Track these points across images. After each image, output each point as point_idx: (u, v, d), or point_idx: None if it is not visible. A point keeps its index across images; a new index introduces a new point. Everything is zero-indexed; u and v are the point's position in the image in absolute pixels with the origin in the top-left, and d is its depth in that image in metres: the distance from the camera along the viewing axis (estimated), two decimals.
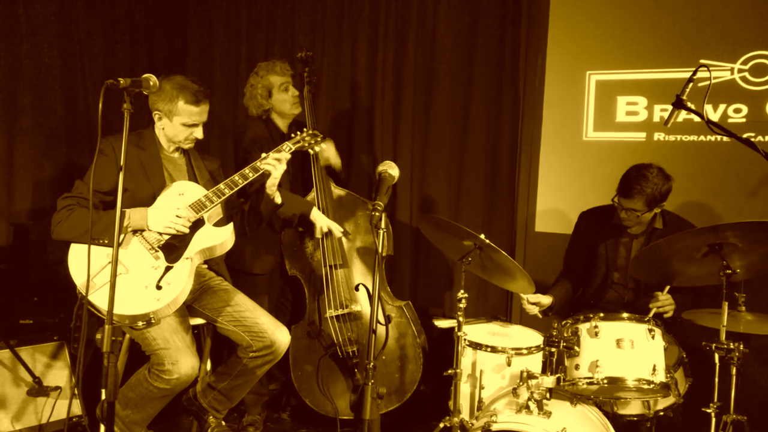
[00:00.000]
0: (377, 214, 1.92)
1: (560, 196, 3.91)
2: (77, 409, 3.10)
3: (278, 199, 2.76)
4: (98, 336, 1.90)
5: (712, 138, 3.56)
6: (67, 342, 3.10)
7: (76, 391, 2.93)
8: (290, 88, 3.37)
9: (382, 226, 1.93)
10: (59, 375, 3.14)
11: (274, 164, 2.64)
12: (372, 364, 1.78)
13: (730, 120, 3.57)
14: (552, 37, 3.87)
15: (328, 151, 3.50)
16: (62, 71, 3.77)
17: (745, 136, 3.50)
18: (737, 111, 3.56)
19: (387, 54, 4.06)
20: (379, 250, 1.97)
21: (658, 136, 3.70)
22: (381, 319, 3.30)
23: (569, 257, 3.33)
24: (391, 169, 2.28)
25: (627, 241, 3.12)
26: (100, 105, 1.93)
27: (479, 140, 3.97)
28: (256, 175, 2.65)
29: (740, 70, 3.54)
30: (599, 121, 3.81)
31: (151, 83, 2.07)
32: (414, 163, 4.08)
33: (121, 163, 1.97)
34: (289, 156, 2.68)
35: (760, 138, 3.54)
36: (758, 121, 3.53)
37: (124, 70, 4.05)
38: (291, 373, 3.37)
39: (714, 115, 3.60)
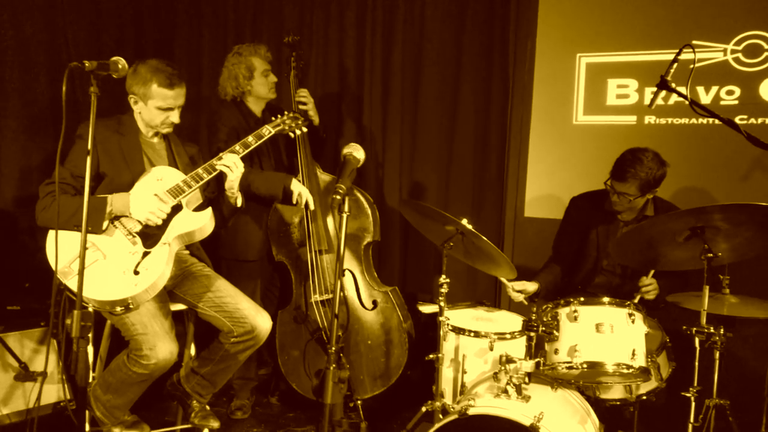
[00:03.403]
0: (338, 197, 1.89)
1: (550, 181, 3.88)
2: (66, 393, 3.12)
3: (239, 202, 2.75)
4: (68, 321, 1.89)
5: (704, 121, 3.51)
6: (54, 328, 3.10)
7: (47, 377, 2.94)
8: (270, 74, 3.35)
9: (345, 209, 1.90)
10: (49, 360, 3.15)
11: (230, 166, 2.61)
12: (334, 348, 1.77)
13: (722, 102, 3.52)
14: (542, 19, 3.82)
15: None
16: (48, 56, 3.75)
17: (737, 118, 3.49)
18: (730, 93, 3.51)
19: (375, 37, 4.03)
20: (342, 234, 1.95)
21: (649, 119, 3.66)
22: (367, 304, 3.32)
23: (559, 242, 3.29)
24: (356, 151, 2.25)
25: (618, 227, 3.08)
26: (64, 88, 1.91)
27: (468, 124, 3.94)
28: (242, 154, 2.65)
29: (733, 51, 3.49)
30: (589, 105, 3.77)
31: (120, 66, 2.04)
32: (403, 148, 4.06)
33: (88, 147, 1.94)
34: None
35: (753, 120, 3.49)
36: (751, 103, 3.48)
37: (111, 53, 4.01)
38: (278, 358, 3.38)
39: (706, 97, 3.55)
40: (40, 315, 3.23)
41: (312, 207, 3.22)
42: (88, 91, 1.94)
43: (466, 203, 3.97)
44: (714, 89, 3.53)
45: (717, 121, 2.42)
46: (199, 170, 2.61)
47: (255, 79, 3.30)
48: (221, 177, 2.68)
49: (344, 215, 1.90)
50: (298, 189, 3.17)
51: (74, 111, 3.80)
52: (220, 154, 2.65)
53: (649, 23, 3.61)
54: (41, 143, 3.73)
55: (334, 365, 1.71)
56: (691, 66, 2.53)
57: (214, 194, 2.87)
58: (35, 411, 2.68)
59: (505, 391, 2.40)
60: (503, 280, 3.01)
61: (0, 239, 3.58)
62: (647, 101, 3.64)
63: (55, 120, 3.78)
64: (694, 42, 3.51)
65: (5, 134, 3.60)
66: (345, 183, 1.95)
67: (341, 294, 3.32)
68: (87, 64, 1.94)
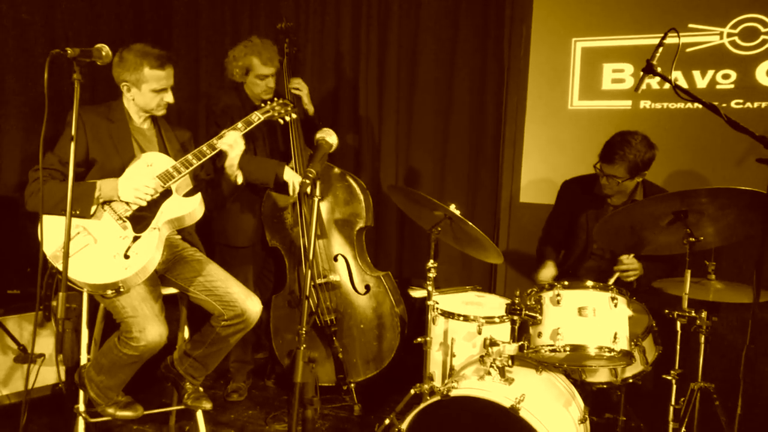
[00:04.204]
0: (308, 182, 1.91)
1: (545, 167, 3.88)
2: (60, 375, 3.19)
3: (240, 179, 2.77)
4: (54, 303, 1.94)
5: (699, 105, 3.47)
6: (45, 311, 3.17)
7: (45, 360, 3.00)
8: (269, 79, 3.27)
9: (317, 194, 1.92)
10: (45, 342, 3.23)
11: (232, 144, 2.65)
12: (304, 329, 1.80)
13: (718, 86, 3.50)
14: (537, 3, 3.81)
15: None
16: (47, 45, 3.77)
17: (733, 102, 3.48)
18: (726, 77, 3.48)
19: (371, 24, 4.04)
20: (314, 218, 1.98)
21: (645, 104, 3.64)
22: (359, 288, 3.35)
23: (550, 225, 3.32)
24: (328, 136, 2.26)
25: (607, 212, 3.08)
26: (45, 75, 1.95)
27: (464, 110, 3.94)
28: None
29: (729, 35, 3.46)
30: (585, 90, 3.76)
31: (103, 53, 2.08)
32: (399, 134, 4.08)
33: (72, 133, 1.98)
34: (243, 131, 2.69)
35: (749, 104, 3.46)
36: (747, 87, 3.45)
37: (108, 42, 4.06)
38: (272, 342, 3.43)
39: (702, 81, 3.53)
40: (44, 300, 3.30)
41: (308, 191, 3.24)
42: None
43: (462, 189, 3.99)
44: (710, 73, 3.51)
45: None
46: (189, 156, 2.64)
47: (249, 78, 3.29)
48: (216, 158, 2.72)
49: (315, 199, 1.92)
50: (292, 178, 3.19)
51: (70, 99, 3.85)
52: (222, 132, 2.67)
53: (644, 7, 3.59)
54: (41, 130, 3.77)
55: (304, 345, 1.75)
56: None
57: (209, 176, 2.90)
58: (26, 394, 2.73)
59: (489, 374, 2.43)
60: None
61: (2, 224, 3.65)
62: (643, 85, 3.61)
63: (54, 107, 3.80)
64: (690, 25, 3.48)
65: (6, 122, 3.65)
66: (316, 168, 1.96)
67: (336, 279, 3.36)
68: (69, 51, 1.98)
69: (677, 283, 2.62)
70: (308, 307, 3.25)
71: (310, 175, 1.91)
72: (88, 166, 2.64)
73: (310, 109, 3.44)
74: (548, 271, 3.11)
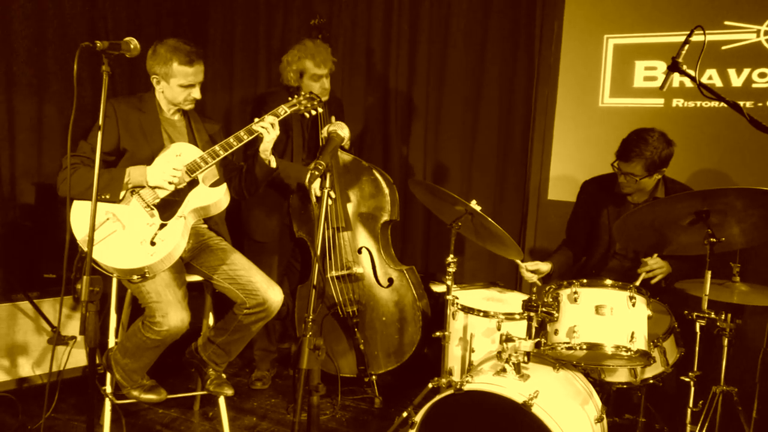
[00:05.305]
0: (317, 173, 1.94)
1: (574, 164, 3.84)
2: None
3: (273, 164, 2.83)
4: (78, 286, 2.02)
5: None
6: (75, 294, 3.28)
7: (77, 342, 3.10)
8: (323, 80, 3.29)
9: (327, 185, 1.95)
10: (78, 325, 3.35)
11: (267, 128, 2.71)
12: (311, 317, 1.83)
13: (754, 85, 3.42)
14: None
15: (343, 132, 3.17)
16: (88, 35, 3.89)
17: None
18: (762, 75, 3.40)
19: (402, 18, 4.06)
20: (323, 209, 2.00)
21: (677, 102, 3.57)
22: (382, 281, 3.39)
23: (571, 227, 3.29)
24: (340, 129, 2.28)
25: (628, 210, 3.04)
26: (75, 66, 2.02)
27: (493, 106, 3.93)
28: (250, 138, 2.72)
29: (766, 32, 3.36)
30: (616, 87, 3.71)
31: (132, 46, 2.14)
32: (428, 130, 4.09)
33: (100, 122, 2.06)
34: (276, 120, 2.74)
35: None
36: None
37: (148, 35, 4.17)
38: (296, 332, 3.49)
39: (737, 80, 3.45)
40: (75, 282, 3.42)
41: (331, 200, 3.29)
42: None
43: (489, 185, 3.98)
44: (746, 72, 3.42)
45: (747, 104, 2.36)
46: (216, 147, 2.70)
47: (304, 81, 3.31)
48: (248, 147, 2.79)
49: (325, 191, 1.95)
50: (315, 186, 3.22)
51: (114, 89, 4.00)
52: (255, 119, 2.74)
53: (679, 3, 3.52)
54: (81, 121, 3.89)
55: (310, 333, 1.78)
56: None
57: (241, 163, 2.97)
58: (53, 375, 2.85)
59: (505, 370, 2.43)
60: (517, 260, 3.02)
61: (42, 211, 3.79)
62: (675, 83, 3.56)
63: (93, 97, 3.94)
64: (726, 23, 3.41)
65: (47, 111, 3.78)
66: (325, 159, 1.99)
67: (360, 271, 3.40)
68: (99, 44, 2.04)
69: (700, 284, 2.57)
70: (333, 298, 3.35)
71: (319, 167, 1.94)
72: (119, 154, 2.73)
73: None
74: (540, 264, 3.05)
